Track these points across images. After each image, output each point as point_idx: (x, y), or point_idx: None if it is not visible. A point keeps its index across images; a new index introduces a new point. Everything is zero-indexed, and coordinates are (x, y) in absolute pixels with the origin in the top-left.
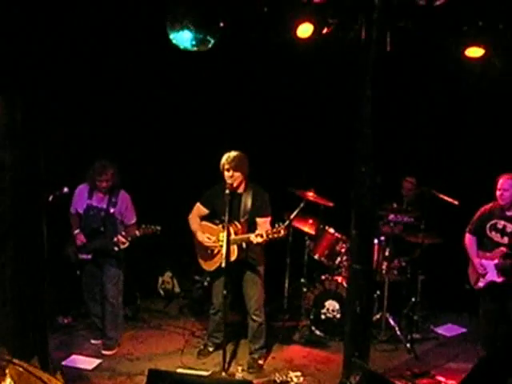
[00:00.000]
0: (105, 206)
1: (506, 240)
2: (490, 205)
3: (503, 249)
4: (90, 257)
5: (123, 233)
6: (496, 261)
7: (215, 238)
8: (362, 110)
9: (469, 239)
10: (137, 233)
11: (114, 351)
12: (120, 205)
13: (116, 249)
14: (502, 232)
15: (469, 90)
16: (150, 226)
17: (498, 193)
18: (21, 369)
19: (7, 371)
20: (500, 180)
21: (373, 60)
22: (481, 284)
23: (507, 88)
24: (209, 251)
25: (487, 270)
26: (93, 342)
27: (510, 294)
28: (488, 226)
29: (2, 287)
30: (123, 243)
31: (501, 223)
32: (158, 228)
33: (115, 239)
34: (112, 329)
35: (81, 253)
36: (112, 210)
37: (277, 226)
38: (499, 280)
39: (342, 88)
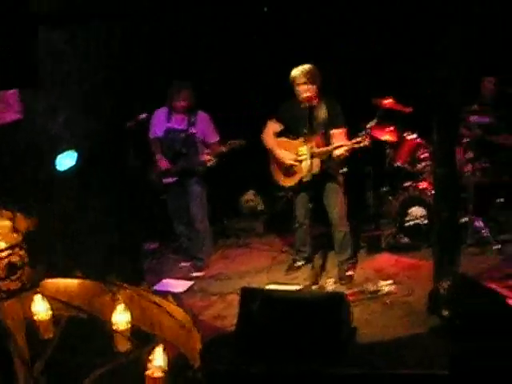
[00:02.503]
0: (185, 127)
1: None
2: None
3: None
4: (174, 180)
5: (208, 151)
6: None
7: (294, 153)
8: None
9: None
10: (223, 149)
11: (204, 272)
12: (200, 124)
13: (201, 168)
14: None
15: None
16: (235, 141)
17: None
18: (132, 293)
19: (119, 296)
20: None
21: None
22: None
23: None
24: (288, 167)
25: None
26: (182, 264)
27: None
28: None
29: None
30: (210, 160)
31: None
32: (243, 141)
33: (201, 158)
34: (201, 250)
35: (165, 177)
36: (192, 130)
37: (359, 134)
38: None
39: None
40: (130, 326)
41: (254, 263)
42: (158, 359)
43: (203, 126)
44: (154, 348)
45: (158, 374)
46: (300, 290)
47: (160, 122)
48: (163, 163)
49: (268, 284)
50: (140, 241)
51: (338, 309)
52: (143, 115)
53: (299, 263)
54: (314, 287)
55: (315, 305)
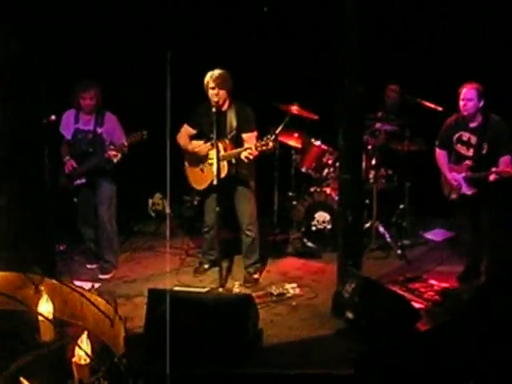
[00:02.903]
0: (92, 128)
1: (471, 152)
2: (454, 116)
3: (468, 162)
4: (83, 181)
5: (112, 147)
6: (463, 174)
7: (205, 157)
8: (345, 21)
9: (439, 154)
10: (124, 142)
11: (111, 274)
12: (107, 124)
13: (108, 167)
14: (468, 144)
15: None
16: (136, 133)
17: (461, 103)
18: (54, 284)
19: (42, 288)
20: (463, 89)
21: None
22: (454, 196)
23: None
24: (200, 170)
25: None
26: (89, 266)
27: (481, 205)
28: (454, 138)
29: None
30: (115, 156)
31: (466, 135)
32: (144, 132)
33: (106, 155)
34: (108, 252)
35: (74, 179)
36: (99, 130)
37: (265, 138)
38: (470, 192)
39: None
40: (53, 316)
41: (161, 266)
42: (84, 347)
43: (110, 127)
44: (79, 337)
45: (83, 361)
46: (207, 292)
47: (68, 124)
48: (69, 164)
49: (175, 286)
50: (52, 242)
51: (244, 310)
52: (52, 117)
53: (206, 266)
54: (220, 290)
55: (222, 306)
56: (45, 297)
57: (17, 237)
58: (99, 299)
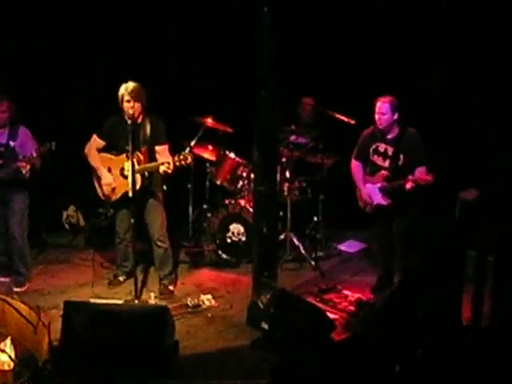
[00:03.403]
0: (4, 141)
1: (387, 163)
2: (371, 128)
3: (384, 172)
4: None
5: (21, 157)
6: (379, 184)
7: (117, 169)
8: (259, 33)
9: (354, 166)
10: (34, 153)
11: (25, 287)
12: (20, 138)
13: (20, 180)
14: (384, 155)
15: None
16: (45, 144)
17: (376, 117)
18: None
19: None
20: (377, 103)
21: None
22: (368, 208)
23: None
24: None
25: (372, 194)
26: (1, 280)
27: (395, 215)
28: (371, 150)
29: None
30: (24, 167)
31: (382, 146)
32: (53, 143)
33: (16, 165)
34: (21, 265)
35: None
36: (12, 144)
37: (183, 152)
38: (385, 203)
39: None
40: None
41: (76, 278)
42: (6, 353)
43: (23, 140)
44: (1, 343)
45: (6, 367)
46: (123, 304)
47: None
48: None
49: (90, 298)
50: None
51: (161, 322)
52: None
53: (121, 278)
54: (135, 302)
55: (139, 318)
56: None
57: None
58: (22, 305)
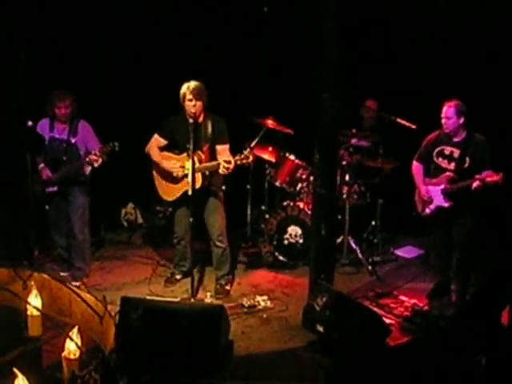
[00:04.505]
0: (65, 137)
1: (452, 166)
2: (437, 132)
3: (449, 173)
4: (55, 189)
5: (93, 152)
6: (442, 186)
7: (180, 166)
8: (324, 36)
9: (415, 167)
10: (97, 153)
11: (82, 282)
12: (81, 134)
13: (81, 177)
14: (450, 158)
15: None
16: (108, 144)
17: (442, 121)
18: (43, 280)
19: (32, 283)
20: (444, 108)
21: None
22: (428, 211)
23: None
24: (171, 181)
25: (433, 196)
26: (61, 274)
27: (457, 218)
28: (435, 152)
29: None
30: (96, 160)
31: (448, 149)
32: (116, 143)
33: (87, 159)
34: (80, 260)
35: (47, 186)
36: (73, 140)
37: (244, 152)
38: (446, 205)
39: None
40: (41, 311)
41: (132, 275)
42: (74, 341)
43: (84, 135)
44: (69, 331)
45: (74, 355)
46: (179, 301)
47: (43, 133)
48: (45, 172)
49: (146, 296)
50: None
51: (216, 321)
52: (30, 123)
53: (178, 277)
54: (192, 300)
55: (195, 316)
56: (34, 292)
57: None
58: (88, 296)
